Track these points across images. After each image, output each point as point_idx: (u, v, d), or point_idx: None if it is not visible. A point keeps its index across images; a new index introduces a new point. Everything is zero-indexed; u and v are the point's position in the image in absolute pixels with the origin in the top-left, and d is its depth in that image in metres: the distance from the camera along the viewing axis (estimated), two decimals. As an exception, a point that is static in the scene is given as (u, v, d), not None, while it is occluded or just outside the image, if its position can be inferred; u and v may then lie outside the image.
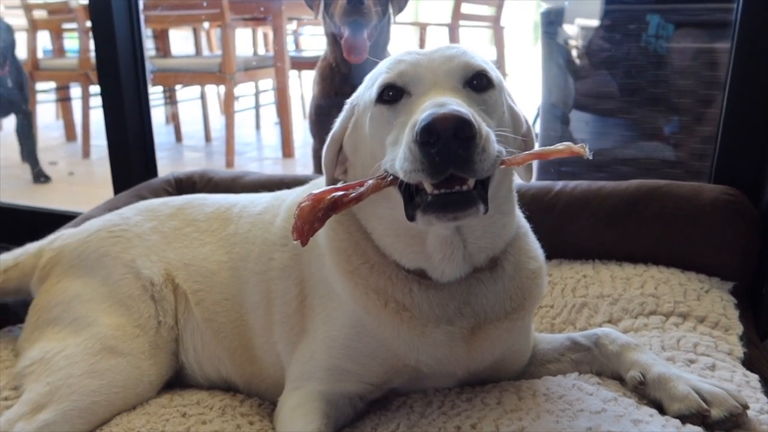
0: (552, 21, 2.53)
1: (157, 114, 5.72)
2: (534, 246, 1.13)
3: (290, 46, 5.28)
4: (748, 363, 1.19)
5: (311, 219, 0.85)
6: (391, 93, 0.94)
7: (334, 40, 2.29)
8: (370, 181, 0.89)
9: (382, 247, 1.03)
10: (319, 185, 1.22)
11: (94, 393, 1.08)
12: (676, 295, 1.36)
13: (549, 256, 1.19)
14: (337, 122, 1.07)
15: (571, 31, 2.56)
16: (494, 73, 0.98)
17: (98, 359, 1.11)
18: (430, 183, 0.83)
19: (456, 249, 0.98)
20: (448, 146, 0.80)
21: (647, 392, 1.04)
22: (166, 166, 4.52)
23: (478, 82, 0.94)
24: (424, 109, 0.84)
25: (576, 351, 1.17)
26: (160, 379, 1.19)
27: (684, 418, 0.96)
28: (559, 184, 1.64)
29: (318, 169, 2.66)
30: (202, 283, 1.24)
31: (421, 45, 4.54)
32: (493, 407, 1.03)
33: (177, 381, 1.25)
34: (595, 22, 2.45)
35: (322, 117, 2.39)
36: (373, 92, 0.96)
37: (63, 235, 1.37)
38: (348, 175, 1.07)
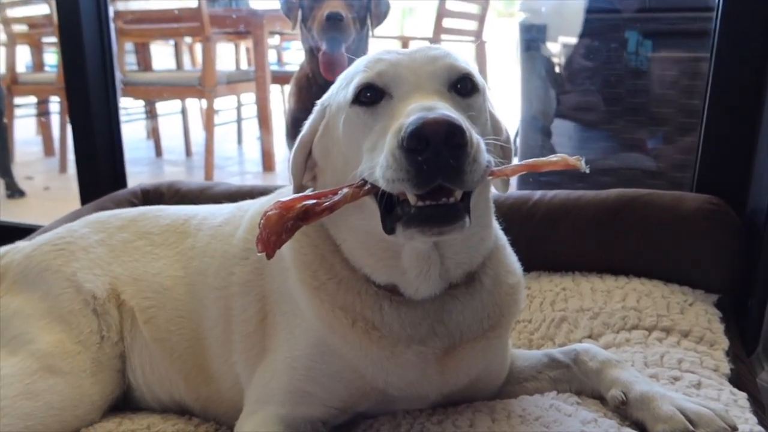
0: (530, 30, 2.50)
1: (138, 128, 5.65)
2: (512, 259, 1.07)
3: (273, 60, 5.24)
4: (735, 380, 1.12)
5: (279, 229, 0.76)
6: (369, 94, 0.86)
7: (311, 52, 2.25)
8: (346, 190, 0.81)
9: (351, 260, 0.96)
10: (284, 195, 1.14)
11: (28, 416, 1.00)
12: (659, 308, 1.30)
13: (527, 269, 1.12)
14: (306, 124, 1.00)
15: (553, 48, 2.54)
16: (478, 76, 0.91)
17: (35, 379, 1.03)
18: (415, 194, 0.76)
19: (433, 264, 0.91)
20: (438, 154, 0.72)
21: (629, 412, 0.97)
22: (144, 181, 4.48)
23: (462, 86, 0.87)
24: (411, 112, 0.76)
25: (554, 368, 1.10)
26: (104, 399, 1.11)
27: (668, 441, 0.89)
28: (538, 194, 1.59)
29: (295, 182, 2.59)
30: (153, 300, 1.16)
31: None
32: (464, 429, 0.95)
33: (126, 403, 1.16)
34: (574, 40, 2.43)
35: (298, 129, 2.33)
36: (348, 92, 0.88)
37: (12, 250, 1.29)
38: (317, 182, 0.99)
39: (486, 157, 0.77)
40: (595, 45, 2.40)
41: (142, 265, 1.20)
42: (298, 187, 0.99)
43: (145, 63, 5.06)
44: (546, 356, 1.12)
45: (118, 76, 2.28)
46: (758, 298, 1.42)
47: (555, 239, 1.52)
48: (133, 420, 1.09)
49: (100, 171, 2.25)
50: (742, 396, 1.04)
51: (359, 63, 0.93)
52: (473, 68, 0.92)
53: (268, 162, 4.31)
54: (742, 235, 1.42)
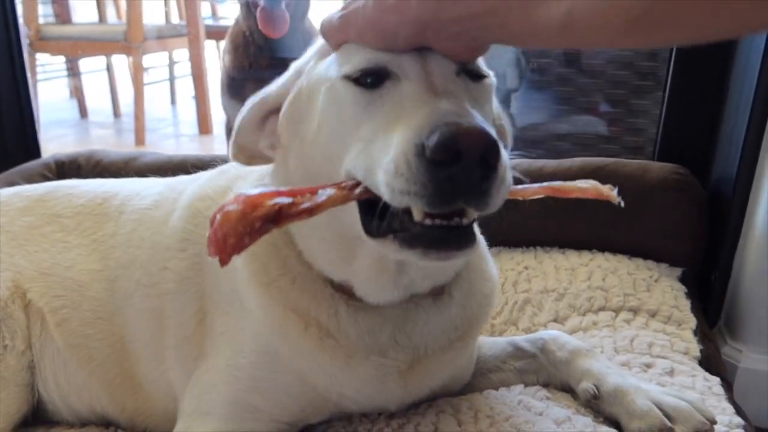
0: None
1: (60, 87, 5.20)
2: (488, 263, 0.94)
3: (207, 14, 4.89)
4: (705, 362, 1.08)
5: (240, 230, 0.58)
6: (369, 80, 0.68)
7: (248, 6, 2.05)
8: (331, 191, 0.63)
9: (304, 252, 0.81)
10: (228, 172, 0.98)
11: None
12: (625, 286, 1.24)
13: (488, 245, 1.02)
14: (278, 82, 0.80)
15: None
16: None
17: None
18: (426, 211, 0.61)
19: (387, 272, 0.77)
20: (469, 172, 0.57)
21: (602, 407, 0.90)
22: (68, 144, 4.12)
23: (469, 71, 0.71)
24: (434, 112, 0.60)
25: (520, 358, 1.02)
26: (7, 421, 0.94)
27: (646, 439, 0.82)
28: (497, 164, 1.48)
29: (233, 149, 2.41)
30: (66, 299, 0.98)
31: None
32: (428, 436, 0.86)
33: (37, 417, 1.00)
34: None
35: (234, 90, 2.15)
36: (343, 66, 0.70)
37: None
38: (276, 158, 0.81)
39: (511, 175, 0.63)
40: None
41: (51, 256, 1.01)
42: (246, 158, 0.82)
43: (62, 15, 4.60)
44: (511, 345, 1.03)
45: (23, 30, 2.00)
46: (721, 271, 1.38)
47: (516, 212, 1.42)
48: (47, 438, 0.94)
49: (6, 138, 1.99)
50: (715, 381, 0.99)
51: None
52: None
53: (204, 124, 4.05)
54: (708, 207, 1.37)
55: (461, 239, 0.62)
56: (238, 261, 0.81)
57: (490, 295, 0.91)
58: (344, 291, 0.81)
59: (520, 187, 0.70)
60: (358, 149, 0.66)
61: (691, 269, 1.36)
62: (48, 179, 1.60)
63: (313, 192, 0.62)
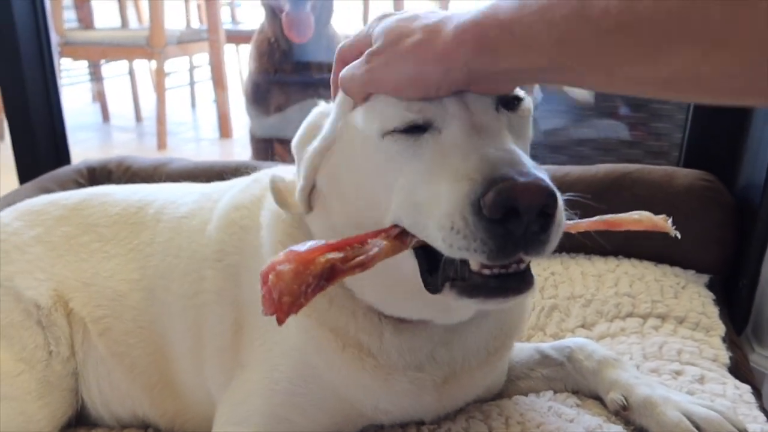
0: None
1: (82, 92, 5.28)
2: None
3: (226, 18, 4.94)
4: (734, 368, 1.07)
5: (295, 291, 0.56)
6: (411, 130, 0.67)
7: (272, 13, 2.07)
8: (383, 242, 0.62)
9: (354, 292, 0.80)
10: (261, 181, 0.98)
11: None
12: (653, 293, 1.24)
13: (513, 252, 1.03)
14: (321, 136, 0.78)
15: None
16: None
17: None
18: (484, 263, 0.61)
19: (442, 308, 0.78)
20: (528, 227, 0.58)
21: (632, 418, 0.90)
22: (92, 148, 4.19)
23: (508, 100, 0.70)
24: (484, 160, 0.59)
25: (547, 366, 1.02)
26: (53, 424, 0.96)
27: (678, 449, 0.83)
28: (522, 170, 1.49)
29: (257, 155, 2.42)
30: (107, 308, 1.00)
31: (365, 17, 4.29)
32: (460, 442, 0.87)
33: (79, 421, 1.03)
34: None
35: (259, 96, 2.17)
36: (387, 125, 0.68)
37: None
38: (314, 210, 0.81)
39: (564, 216, 0.63)
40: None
41: (91, 266, 1.03)
42: (306, 207, 0.81)
43: (86, 20, 4.68)
44: (538, 352, 1.04)
45: (54, 37, 2.04)
46: (749, 278, 1.38)
47: (541, 219, 1.44)
48: (88, 440, 0.97)
49: (38, 144, 2.03)
50: (746, 389, 0.99)
51: None
52: None
53: (225, 128, 4.10)
54: (735, 214, 1.36)
55: (521, 284, 0.63)
56: None
57: (526, 303, 0.92)
58: (394, 317, 0.81)
59: (571, 222, 0.69)
60: (398, 198, 0.65)
61: (719, 276, 1.36)
62: (80, 185, 1.64)
63: (363, 242, 0.61)
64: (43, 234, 1.07)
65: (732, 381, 1.01)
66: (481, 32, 0.60)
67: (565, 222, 0.63)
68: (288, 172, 0.86)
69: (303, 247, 0.58)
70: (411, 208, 0.64)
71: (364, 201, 0.72)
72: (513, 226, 0.56)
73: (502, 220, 0.56)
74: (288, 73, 2.01)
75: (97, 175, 1.71)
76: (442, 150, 0.64)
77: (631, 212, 0.74)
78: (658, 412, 0.87)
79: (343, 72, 0.72)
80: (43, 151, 2.01)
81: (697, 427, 0.84)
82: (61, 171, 1.73)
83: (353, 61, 0.71)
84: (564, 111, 2.45)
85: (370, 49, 0.69)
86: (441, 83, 0.64)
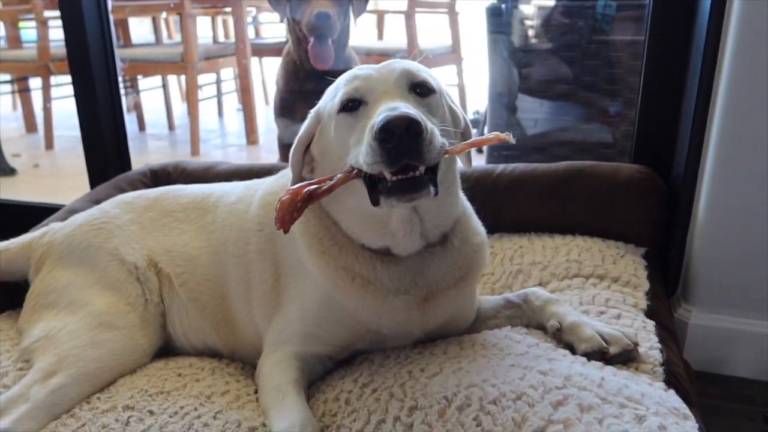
0: (497, 15, 2.73)
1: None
2: (477, 223, 1.33)
3: (250, 34, 5.35)
4: (650, 313, 1.42)
5: (291, 209, 1.02)
6: (350, 104, 1.10)
7: (298, 41, 2.43)
8: (339, 175, 1.05)
9: (349, 234, 1.20)
10: (286, 176, 1.38)
11: (96, 360, 1.23)
12: (596, 260, 1.60)
13: (491, 231, 1.39)
14: (303, 128, 1.22)
15: (528, 11, 2.75)
16: (434, 81, 1.16)
17: (97, 333, 1.27)
18: (389, 172, 0.98)
19: (415, 226, 1.16)
20: (402, 141, 0.95)
21: (563, 337, 1.26)
22: (132, 155, 4.60)
23: (420, 90, 1.11)
24: (380, 113, 0.99)
25: (509, 308, 1.39)
26: (152, 348, 1.35)
27: (589, 355, 1.19)
28: (500, 167, 1.86)
29: (284, 157, 2.82)
30: (184, 267, 1.39)
31: (380, 32, 4.69)
32: (439, 356, 1.23)
33: (167, 350, 1.42)
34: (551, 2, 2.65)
35: (286, 109, 2.55)
36: (335, 104, 1.12)
37: (51, 230, 1.51)
38: (315, 174, 1.20)
39: (440, 140, 1.01)
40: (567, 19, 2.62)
41: (171, 238, 1.43)
42: (297, 179, 1.21)
43: (125, 38, 5.13)
44: (503, 299, 1.41)
45: (117, 55, 2.42)
46: (677, 250, 1.73)
47: (514, 206, 1.80)
48: (176, 360, 1.35)
49: (106, 148, 2.43)
50: (650, 323, 1.34)
51: (341, 80, 1.17)
52: (430, 74, 1.17)
53: (251, 135, 4.47)
54: (666, 198, 1.72)
55: (417, 185, 1.00)
56: (300, 238, 1.24)
57: (481, 245, 1.29)
58: (380, 252, 1.19)
59: (453, 146, 1.06)
60: (352, 151, 1.06)
61: (654, 249, 1.71)
62: (145, 185, 2.04)
63: (330, 179, 1.04)
64: (135, 217, 1.48)
65: (642, 318, 1.36)
66: None
67: (444, 145, 1.01)
68: None
69: (296, 185, 1.04)
70: (353, 150, 1.05)
71: (337, 159, 1.11)
72: (393, 142, 0.95)
73: (386, 139, 0.95)
74: (311, 91, 2.39)
75: (158, 176, 2.11)
76: (367, 114, 1.06)
77: (486, 134, 1.06)
78: (579, 330, 1.23)
79: None
80: (110, 158, 2.42)
81: (605, 340, 1.21)
82: (130, 174, 2.13)
83: None
84: (552, 116, 2.79)
85: None
86: None
